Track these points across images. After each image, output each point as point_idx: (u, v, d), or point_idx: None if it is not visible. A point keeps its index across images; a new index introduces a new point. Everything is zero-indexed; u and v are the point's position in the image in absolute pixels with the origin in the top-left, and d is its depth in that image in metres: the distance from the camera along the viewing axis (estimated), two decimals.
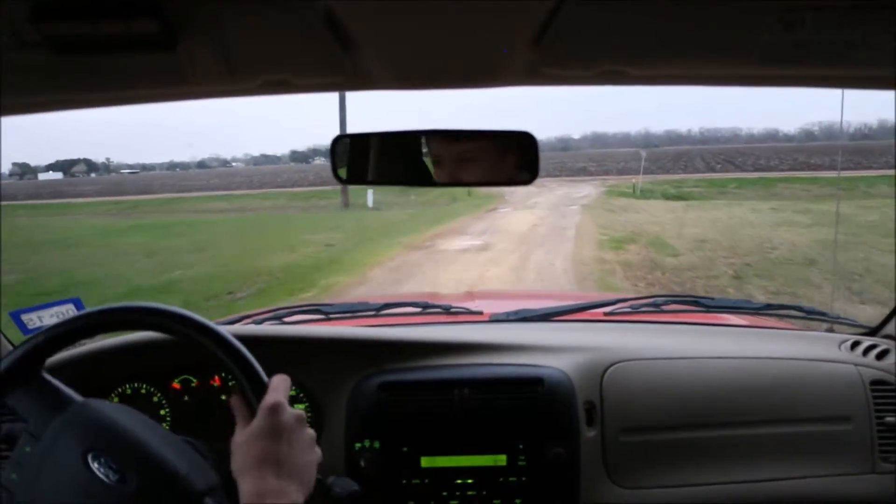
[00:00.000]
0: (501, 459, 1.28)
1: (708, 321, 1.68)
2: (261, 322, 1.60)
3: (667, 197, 22.87)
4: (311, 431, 0.92)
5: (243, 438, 0.88)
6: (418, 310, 1.68)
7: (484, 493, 1.28)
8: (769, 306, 1.63)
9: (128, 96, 0.87)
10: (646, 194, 23.79)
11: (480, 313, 1.66)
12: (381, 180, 1.19)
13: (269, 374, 0.97)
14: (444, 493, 1.28)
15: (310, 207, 25.18)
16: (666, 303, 1.66)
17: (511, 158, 1.13)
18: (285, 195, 32.25)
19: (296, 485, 0.85)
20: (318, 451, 0.92)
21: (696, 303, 1.67)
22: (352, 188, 23.53)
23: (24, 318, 1.43)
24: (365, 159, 1.17)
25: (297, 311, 1.66)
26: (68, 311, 1.47)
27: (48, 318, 1.44)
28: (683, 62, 0.80)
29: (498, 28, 0.70)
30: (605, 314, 1.64)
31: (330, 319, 1.62)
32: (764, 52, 0.75)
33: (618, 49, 0.76)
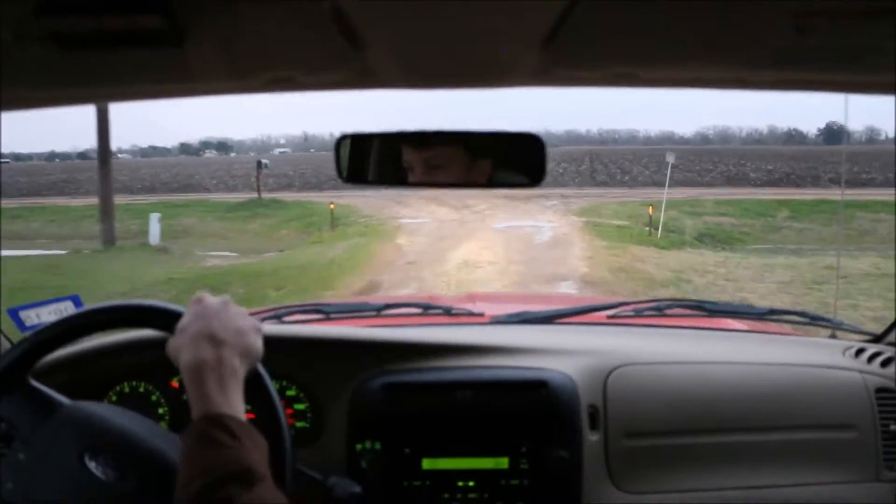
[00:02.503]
0: (503, 462, 1.27)
1: (711, 326, 1.67)
2: (260, 322, 1.59)
3: (702, 241, 13.41)
4: (241, 308, 0.94)
5: (175, 334, 0.89)
6: (419, 311, 1.67)
7: (486, 495, 1.27)
8: (773, 311, 1.62)
9: (133, 92, 0.86)
10: (669, 236, 13.31)
11: (482, 315, 1.65)
12: (381, 181, 1.18)
13: (270, 375, 0.97)
14: (446, 496, 1.27)
15: (69, 237, 15.87)
16: (669, 307, 1.65)
17: (516, 160, 1.12)
18: (47, 214, 20.49)
19: (234, 352, 0.86)
20: (253, 320, 0.94)
21: (699, 307, 1.66)
22: (124, 209, 17.30)
23: (22, 314, 1.42)
24: (366, 159, 1.15)
25: (298, 310, 1.64)
26: (66, 307, 1.46)
27: (46, 315, 1.43)
28: (695, 65, 0.79)
29: (509, 28, 0.69)
30: (608, 317, 1.63)
31: (330, 319, 1.61)
32: (776, 56, 0.74)
33: (629, 51, 0.75)
